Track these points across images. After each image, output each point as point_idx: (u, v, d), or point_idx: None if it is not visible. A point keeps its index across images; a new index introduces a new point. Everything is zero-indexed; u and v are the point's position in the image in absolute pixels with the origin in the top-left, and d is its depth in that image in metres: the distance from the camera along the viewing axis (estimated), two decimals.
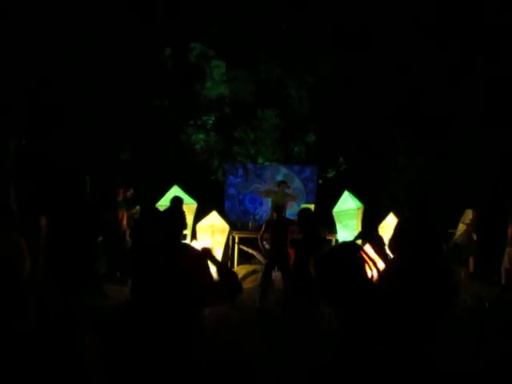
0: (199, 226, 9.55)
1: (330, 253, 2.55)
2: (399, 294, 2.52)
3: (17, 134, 10.33)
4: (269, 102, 13.89)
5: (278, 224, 7.73)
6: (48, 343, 1.75)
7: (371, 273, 2.42)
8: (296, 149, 14.26)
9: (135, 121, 12.27)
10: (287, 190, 10.97)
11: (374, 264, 2.45)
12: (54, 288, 6.50)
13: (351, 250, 2.51)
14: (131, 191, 9.40)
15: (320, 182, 13.75)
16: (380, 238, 3.82)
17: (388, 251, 4.57)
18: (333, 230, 10.22)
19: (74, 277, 7.13)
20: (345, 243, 3.13)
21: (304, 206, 11.19)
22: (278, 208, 8.13)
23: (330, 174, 14.68)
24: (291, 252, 6.89)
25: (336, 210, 10.24)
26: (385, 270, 4.61)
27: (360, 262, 2.43)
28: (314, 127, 14.12)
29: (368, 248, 3.73)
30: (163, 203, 9.04)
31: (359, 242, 5.24)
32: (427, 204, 5.30)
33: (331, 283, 2.41)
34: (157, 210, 7.39)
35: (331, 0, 12.89)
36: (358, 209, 10.02)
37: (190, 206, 9.56)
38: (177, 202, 7.83)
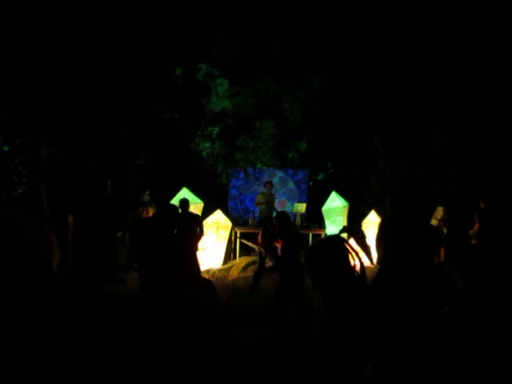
0: (206, 222, 9.53)
1: (318, 245, 2.58)
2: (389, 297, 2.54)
3: (48, 143, 10.38)
4: (266, 114, 13.92)
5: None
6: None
7: (354, 262, 2.44)
8: (290, 155, 14.29)
9: (149, 131, 12.30)
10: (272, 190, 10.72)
11: (357, 254, 2.47)
12: (80, 276, 6.51)
13: (337, 242, 2.54)
14: (147, 192, 9.42)
15: (311, 183, 13.76)
16: (362, 232, 3.84)
17: (369, 244, 4.53)
18: (322, 226, 10.23)
19: (97, 266, 7.14)
20: (331, 236, 3.15)
21: (296, 204, 11.22)
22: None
23: (320, 177, 14.70)
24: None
25: (325, 207, 10.25)
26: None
27: (344, 252, 2.45)
28: (305, 136, 14.15)
29: (351, 241, 3.75)
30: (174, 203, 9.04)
31: (344, 235, 5.22)
32: (405, 202, 5.19)
33: (320, 270, 2.43)
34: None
35: (318, 26, 12.92)
36: (344, 207, 10.04)
37: (197, 205, 9.56)
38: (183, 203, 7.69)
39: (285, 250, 5.54)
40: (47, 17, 9.57)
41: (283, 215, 5.76)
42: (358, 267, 2.46)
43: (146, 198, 9.32)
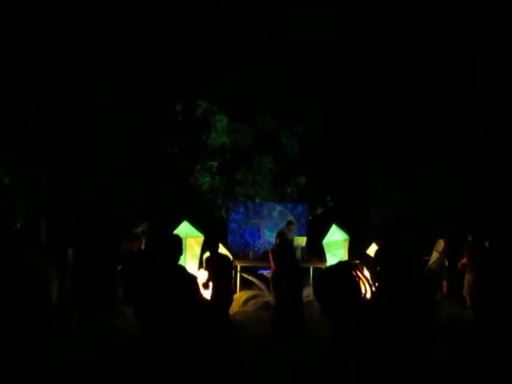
0: (206, 256, 9.41)
1: (328, 271, 2.50)
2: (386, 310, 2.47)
3: (47, 176, 10.35)
4: (265, 149, 14.02)
5: None
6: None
7: (365, 288, 2.38)
8: (289, 189, 14.30)
9: (150, 165, 12.33)
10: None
11: (368, 281, 2.41)
12: (79, 309, 6.35)
13: (347, 268, 2.47)
14: (146, 224, 9.36)
15: (310, 217, 13.71)
16: (370, 259, 3.78)
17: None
18: (323, 259, 10.11)
19: (96, 299, 6.99)
20: (341, 262, 3.08)
21: (296, 238, 11.08)
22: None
23: (319, 211, 14.64)
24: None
25: (325, 241, 10.13)
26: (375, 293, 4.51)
27: (355, 279, 2.38)
28: (304, 171, 14.19)
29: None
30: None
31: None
32: (401, 233, 5.23)
33: (330, 298, 2.35)
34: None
35: (315, 61, 13.10)
36: (345, 240, 9.93)
37: (197, 239, 9.44)
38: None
39: (280, 280, 5.53)
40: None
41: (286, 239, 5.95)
42: (368, 294, 2.39)
43: (137, 230, 9.22)
